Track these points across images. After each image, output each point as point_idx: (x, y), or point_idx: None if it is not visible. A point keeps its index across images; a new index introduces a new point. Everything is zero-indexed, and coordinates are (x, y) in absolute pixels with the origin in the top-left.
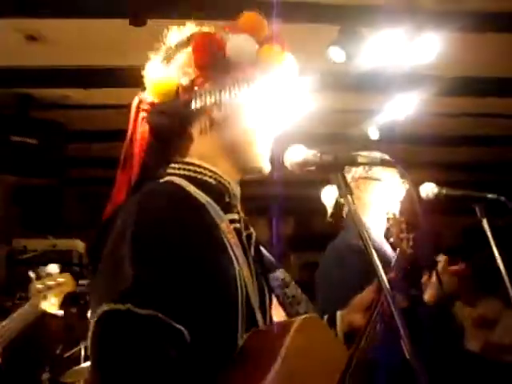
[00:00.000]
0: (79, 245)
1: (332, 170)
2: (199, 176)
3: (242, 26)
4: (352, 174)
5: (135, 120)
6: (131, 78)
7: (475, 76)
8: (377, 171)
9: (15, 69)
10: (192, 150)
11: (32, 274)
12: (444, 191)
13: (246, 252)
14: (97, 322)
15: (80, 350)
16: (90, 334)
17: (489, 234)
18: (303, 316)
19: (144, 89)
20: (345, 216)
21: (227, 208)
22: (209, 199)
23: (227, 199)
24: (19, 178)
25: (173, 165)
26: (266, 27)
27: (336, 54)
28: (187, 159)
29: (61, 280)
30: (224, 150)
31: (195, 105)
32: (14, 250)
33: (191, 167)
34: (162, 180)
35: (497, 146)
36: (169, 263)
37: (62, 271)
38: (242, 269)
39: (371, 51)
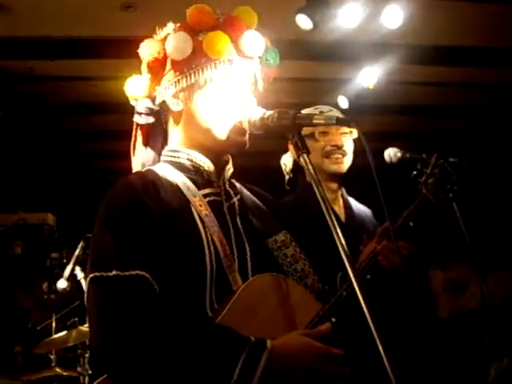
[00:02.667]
0: (50, 218)
1: (289, 130)
2: (177, 160)
3: (186, 22)
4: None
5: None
6: (99, 49)
7: (441, 45)
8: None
9: None
10: (173, 139)
11: None
12: (408, 155)
13: (226, 222)
14: (90, 286)
15: (51, 322)
16: (85, 296)
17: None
18: (274, 273)
19: None
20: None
21: (206, 184)
22: (185, 179)
23: (205, 176)
24: None
25: (163, 152)
26: (210, 17)
27: (303, 21)
28: (171, 147)
29: None
30: (191, 135)
31: (156, 103)
32: None
33: (173, 153)
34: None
35: (463, 116)
36: (136, 232)
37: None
38: (211, 236)
39: (339, 19)
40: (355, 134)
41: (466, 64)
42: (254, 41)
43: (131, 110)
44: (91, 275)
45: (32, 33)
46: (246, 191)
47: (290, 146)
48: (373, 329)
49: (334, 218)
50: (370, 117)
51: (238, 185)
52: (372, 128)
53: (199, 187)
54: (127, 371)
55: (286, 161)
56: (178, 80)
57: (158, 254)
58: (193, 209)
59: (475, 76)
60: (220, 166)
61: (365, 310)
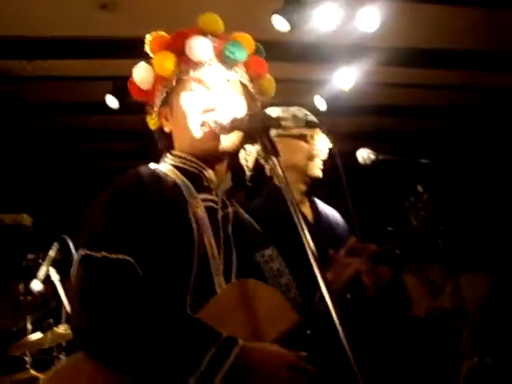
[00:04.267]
0: (26, 219)
1: (258, 133)
2: (181, 164)
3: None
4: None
5: None
6: (76, 49)
7: (417, 47)
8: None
9: None
10: (176, 145)
11: None
12: (381, 157)
13: (218, 228)
14: (78, 263)
15: (26, 324)
16: (73, 271)
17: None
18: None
19: None
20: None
21: (204, 190)
22: (187, 181)
23: (205, 183)
24: None
25: (168, 155)
26: (160, 40)
27: (280, 23)
28: (175, 152)
29: None
30: (182, 143)
31: (153, 114)
32: None
33: (176, 158)
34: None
35: (439, 118)
36: (132, 219)
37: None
38: (202, 238)
39: (315, 21)
40: (330, 141)
41: (442, 66)
42: (199, 46)
43: (109, 110)
44: (82, 253)
45: (8, 32)
46: (240, 209)
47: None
48: (345, 344)
49: (304, 226)
50: (346, 118)
51: (234, 202)
52: (348, 129)
53: (198, 191)
54: (101, 349)
55: (247, 157)
56: (160, 95)
57: (149, 244)
58: (189, 209)
59: (451, 78)
60: (219, 176)
61: (336, 321)
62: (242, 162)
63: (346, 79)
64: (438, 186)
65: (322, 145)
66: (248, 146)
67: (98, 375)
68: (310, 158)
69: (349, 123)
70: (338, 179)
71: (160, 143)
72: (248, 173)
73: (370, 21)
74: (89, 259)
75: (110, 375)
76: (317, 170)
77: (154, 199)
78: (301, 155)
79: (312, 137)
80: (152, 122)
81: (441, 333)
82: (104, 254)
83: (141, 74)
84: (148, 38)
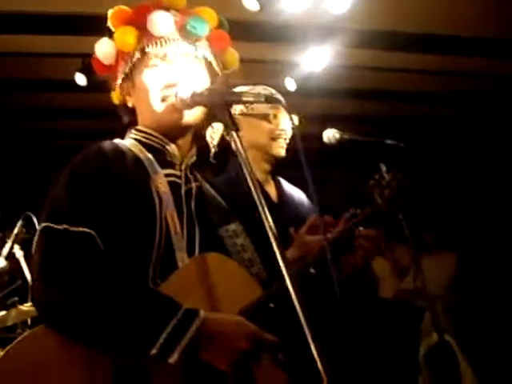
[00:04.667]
0: None
1: (219, 107)
2: (144, 139)
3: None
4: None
5: None
6: (44, 25)
7: (389, 30)
8: (259, 108)
9: None
10: (139, 120)
11: None
12: (346, 136)
13: (181, 203)
14: (39, 235)
15: None
16: (34, 244)
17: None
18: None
19: None
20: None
21: (167, 165)
22: (150, 156)
23: (168, 158)
24: None
25: (132, 131)
26: (123, 15)
27: (250, 2)
28: (138, 127)
29: None
30: (144, 118)
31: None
32: None
33: (139, 133)
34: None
35: (409, 101)
36: (94, 193)
37: None
38: (165, 213)
39: (286, 1)
40: (296, 120)
41: (414, 50)
42: (161, 21)
43: (77, 88)
44: (43, 225)
45: None
46: (205, 183)
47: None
48: (302, 319)
49: (262, 199)
50: (316, 100)
51: (199, 176)
52: (318, 111)
53: (162, 166)
54: (61, 320)
55: (213, 134)
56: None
57: (111, 218)
58: (152, 184)
59: (423, 61)
60: (183, 152)
61: (294, 299)
62: (208, 139)
63: (316, 61)
64: (403, 166)
65: (285, 124)
66: (215, 124)
67: (59, 347)
68: (273, 137)
69: (319, 105)
70: (306, 161)
71: (124, 118)
72: (213, 150)
73: (341, 2)
74: (49, 231)
75: (72, 347)
76: (280, 149)
77: (116, 174)
78: (263, 134)
79: (275, 116)
80: (116, 98)
81: (406, 315)
82: (65, 226)
83: (103, 49)
84: (109, 12)
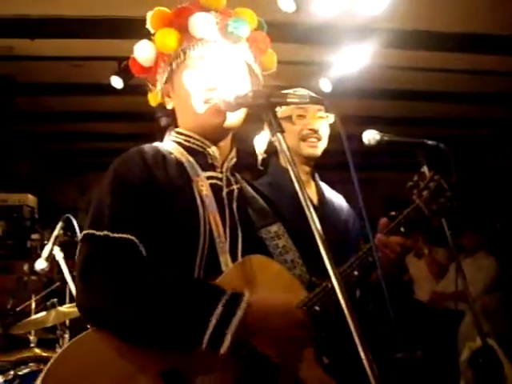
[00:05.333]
0: (30, 199)
1: (264, 109)
2: (184, 142)
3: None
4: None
5: None
6: (81, 29)
7: (427, 30)
8: (283, 110)
9: None
10: (179, 122)
11: None
12: (386, 137)
13: (223, 205)
14: (81, 242)
15: (31, 303)
16: (77, 252)
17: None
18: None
19: None
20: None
21: (209, 167)
22: (191, 159)
23: (210, 161)
24: None
25: (172, 133)
26: (163, 16)
27: (286, 3)
28: (178, 129)
29: None
30: (185, 120)
31: (155, 91)
32: None
33: (180, 135)
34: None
35: (448, 102)
36: (136, 199)
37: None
38: (208, 216)
39: (321, 1)
40: (331, 118)
41: (450, 49)
42: (202, 23)
43: (112, 91)
44: (84, 232)
45: (10, 11)
46: (246, 185)
47: (266, 126)
48: (350, 322)
49: (308, 200)
50: (352, 101)
51: (239, 177)
52: (354, 112)
53: (203, 169)
54: (107, 324)
55: (260, 141)
56: (163, 72)
57: (153, 223)
58: (194, 187)
59: (458, 61)
60: (224, 154)
61: (341, 300)
62: (255, 146)
63: (352, 61)
64: (444, 167)
65: (316, 124)
66: (262, 131)
67: (108, 352)
68: (302, 138)
69: (355, 106)
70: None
71: (162, 120)
72: (260, 156)
73: (378, 2)
74: (91, 238)
75: (120, 352)
76: (310, 149)
77: (157, 178)
78: (290, 136)
79: (302, 117)
80: (153, 99)
81: (442, 318)
82: (106, 232)
83: (143, 51)
84: (149, 14)
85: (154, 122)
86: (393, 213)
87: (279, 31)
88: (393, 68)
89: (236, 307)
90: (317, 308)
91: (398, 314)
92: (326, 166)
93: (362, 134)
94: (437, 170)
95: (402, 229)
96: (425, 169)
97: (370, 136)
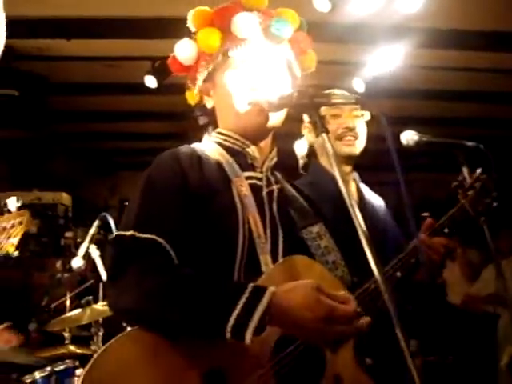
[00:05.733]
0: (64, 198)
1: (308, 110)
2: (224, 142)
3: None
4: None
5: None
6: (115, 29)
7: (462, 29)
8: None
9: None
10: (219, 122)
11: None
12: (424, 138)
13: (263, 205)
14: (110, 242)
15: (66, 300)
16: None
17: (469, 181)
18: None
19: None
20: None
21: (248, 167)
22: (230, 160)
23: (249, 161)
24: (3, 132)
25: (213, 134)
26: (204, 16)
27: (321, 3)
28: (219, 129)
29: (20, 218)
30: (226, 120)
31: (194, 89)
32: None
33: (219, 135)
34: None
35: (484, 102)
36: (167, 201)
37: (21, 207)
38: (247, 216)
39: (356, 1)
40: (367, 116)
41: (486, 49)
42: (245, 23)
43: (146, 91)
44: (115, 233)
45: (47, 12)
46: (286, 184)
47: (305, 130)
48: (396, 325)
49: (352, 200)
50: (386, 101)
51: (280, 177)
52: (388, 112)
53: (242, 169)
54: (137, 316)
55: (301, 145)
56: (203, 72)
57: (187, 226)
58: (233, 188)
59: (495, 61)
60: (264, 153)
61: (387, 302)
62: (296, 150)
63: (386, 61)
64: (484, 168)
65: (352, 123)
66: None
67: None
68: (338, 137)
69: (389, 106)
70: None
71: (201, 119)
72: (301, 160)
73: (413, 1)
74: (119, 238)
75: (162, 352)
76: (347, 148)
77: (191, 181)
78: None
79: (336, 116)
80: (191, 98)
81: (477, 321)
82: (132, 232)
83: (184, 50)
84: (190, 13)
85: (187, 121)
86: (425, 214)
87: (313, 31)
88: (425, 68)
89: (260, 297)
90: (358, 309)
91: (432, 317)
92: (360, 167)
93: (396, 133)
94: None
95: (446, 230)
96: (465, 170)
97: (409, 137)
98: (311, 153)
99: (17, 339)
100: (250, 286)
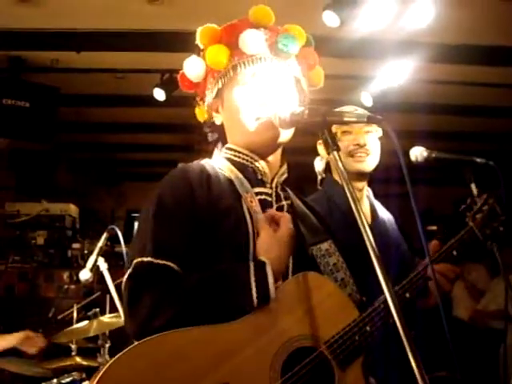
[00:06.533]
0: (72, 209)
1: (320, 128)
2: (234, 157)
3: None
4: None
5: None
6: (125, 42)
7: (470, 44)
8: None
9: (7, 31)
10: (228, 138)
11: None
12: (433, 154)
13: None
14: (129, 269)
15: (72, 312)
16: (124, 279)
17: (477, 202)
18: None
19: None
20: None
21: (258, 183)
22: (240, 175)
23: (259, 176)
24: (12, 142)
25: (223, 149)
26: (212, 33)
27: (330, 18)
28: (228, 145)
29: None
30: (236, 136)
31: (202, 106)
32: (7, 213)
33: (229, 151)
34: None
35: (490, 116)
36: (179, 224)
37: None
38: (258, 232)
39: (365, 16)
40: (380, 132)
41: (494, 63)
42: (252, 40)
43: (154, 103)
44: (135, 260)
45: (58, 25)
46: (297, 199)
47: (320, 146)
48: (405, 343)
49: (363, 216)
50: (394, 115)
51: (290, 192)
52: (395, 126)
53: (252, 185)
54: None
55: (319, 162)
56: (212, 88)
57: (199, 247)
58: (243, 204)
59: (503, 75)
60: (273, 169)
61: (397, 322)
62: (315, 166)
63: (395, 76)
64: (494, 188)
65: (363, 139)
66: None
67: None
68: (349, 154)
69: (397, 120)
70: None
71: (210, 136)
72: (319, 176)
73: (421, 16)
74: (139, 265)
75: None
76: (359, 164)
77: (201, 202)
78: None
79: (346, 133)
80: (200, 114)
81: (486, 335)
82: (150, 259)
83: (192, 67)
84: (198, 30)
85: (194, 133)
86: (433, 227)
87: (322, 45)
88: (433, 82)
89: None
90: (368, 328)
91: (439, 334)
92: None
93: (402, 148)
94: (485, 188)
95: (455, 252)
96: (473, 187)
97: (418, 153)
98: (328, 168)
99: (43, 341)
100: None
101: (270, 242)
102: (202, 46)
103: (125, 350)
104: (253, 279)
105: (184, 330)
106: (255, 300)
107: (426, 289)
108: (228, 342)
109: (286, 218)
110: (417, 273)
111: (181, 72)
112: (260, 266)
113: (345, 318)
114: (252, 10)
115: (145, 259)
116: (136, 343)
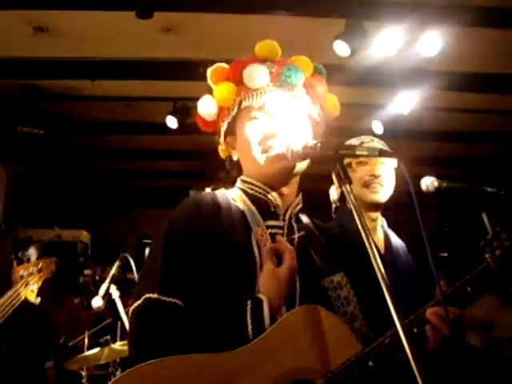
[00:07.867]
0: (84, 235)
1: (332, 161)
2: (248, 189)
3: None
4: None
5: None
6: (138, 71)
7: (481, 72)
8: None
9: (23, 60)
10: (244, 171)
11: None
12: (444, 184)
13: None
14: (138, 303)
15: (84, 338)
16: (131, 309)
17: (488, 228)
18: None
19: None
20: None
21: (271, 216)
22: (252, 208)
23: (272, 209)
24: (24, 168)
25: (238, 180)
26: (225, 71)
27: (341, 48)
28: (242, 177)
29: (40, 266)
30: (248, 169)
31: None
32: (19, 239)
33: (244, 183)
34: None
35: (499, 143)
36: (188, 260)
37: (40, 255)
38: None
39: (376, 46)
40: (395, 163)
41: (504, 91)
42: (255, 74)
43: (167, 130)
44: (144, 296)
45: (73, 54)
46: (312, 228)
47: (334, 177)
48: (417, 376)
49: (375, 249)
50: (404, 142)
51: (306, 220)
52: (406, 153)
53: (264, 218)
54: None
55: (334, 191)
56: (224, 125)
57: (206, 283)
58: (253, 237)
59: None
60: (287, 201)
61: (408, 354)
62: (330, 195)
63: (405, 103)
64: (504, 213)
65: (378, 170)
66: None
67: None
68: (364, 184)
69: (408, 148)
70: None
71: (232, 172)
72: (334, 205)
73: (431, 45)
74: (148, 301)
75: None
76: (374, 195)
77: (211, 236)
78: (353, 184)
79: (361, 163)
80: (222, 152)
81: (499, 363)
82: (157, 296)
83: (205, 106)
84: (209, 71)
85: (206, 160)
86: (444, 254)
87: (333, 74)
88: (444, 110)
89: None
90: (370, 363)
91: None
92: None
93: (413, 175)
94: (495, 216)
95: (469, 288)
96: (484, 216)
97: (429, 182)
98: (342, 197)
99: None
100: (248, 302)
101: (269, 278)
102: (213, 86)
103: (126, 371)
104: (249, 316)
105: (184, 356)
106: (251, 338)
107: (423, 335)
108: (226, 369)
109: (289, 253)
110: (427, 307)
111: (197, 112)
112: (257, 303)
113: (346, 351)
114: (258, 45)
115: (152, 296)
116: (137, 365)
